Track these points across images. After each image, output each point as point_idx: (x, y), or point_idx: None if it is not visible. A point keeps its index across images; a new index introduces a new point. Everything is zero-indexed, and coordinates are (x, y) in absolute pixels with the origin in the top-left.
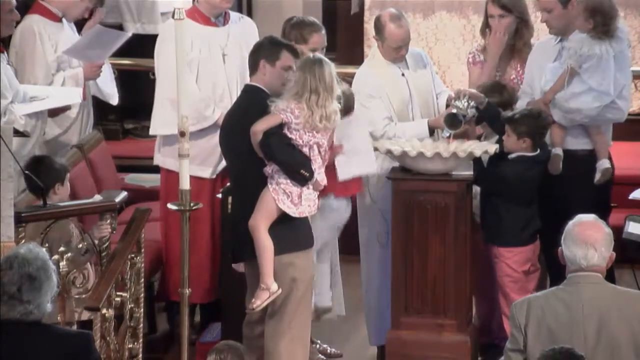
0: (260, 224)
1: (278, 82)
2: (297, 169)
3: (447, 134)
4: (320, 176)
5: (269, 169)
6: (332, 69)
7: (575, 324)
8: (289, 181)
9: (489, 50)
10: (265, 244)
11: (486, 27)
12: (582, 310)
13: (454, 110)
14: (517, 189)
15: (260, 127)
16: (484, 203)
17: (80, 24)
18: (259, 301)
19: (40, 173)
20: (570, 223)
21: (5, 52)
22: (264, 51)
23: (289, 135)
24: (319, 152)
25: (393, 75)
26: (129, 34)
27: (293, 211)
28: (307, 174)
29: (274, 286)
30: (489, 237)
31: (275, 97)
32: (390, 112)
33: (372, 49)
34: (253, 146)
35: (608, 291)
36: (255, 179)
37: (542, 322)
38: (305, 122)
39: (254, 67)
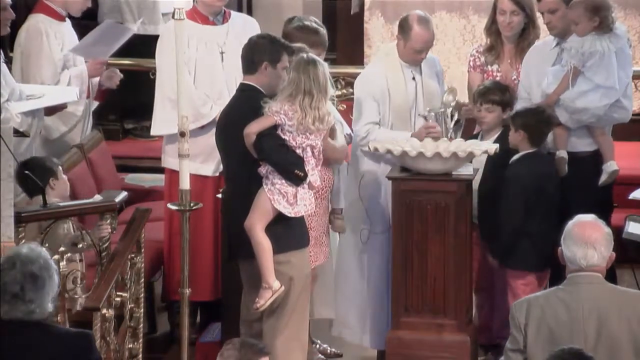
0: (257, 224)
1: (276, 82)
2: (292, 169)
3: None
4: (313, 177)
5: (264, 169)
6: (325, 69)
7: (575, 323)
8: (284, 181)
9: None
10: (263, 244)
11: (492, 24)
12: (582, 310)
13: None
14: (532, 186)
15: (253, 129)
16: (495, 222)
17: (80, 24)
18: (263, 300)
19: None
20: (570, 223)
21: (1, 50)
22: (267, 53)
23: (282, 137)
24: (312, 153)
25: (403, 77)
26: (134, 29)
27: (289, 211)
28: (302, 174)
29: (275, 284)
30: (507, 260)
31: (269, 98)
32: (378, 118)
33: (387, 47)
34: (249, 157)
35: (608, 291)
36: (250, 179)
37: (542, 322)
38: (298, 124)
39: (253, 67)
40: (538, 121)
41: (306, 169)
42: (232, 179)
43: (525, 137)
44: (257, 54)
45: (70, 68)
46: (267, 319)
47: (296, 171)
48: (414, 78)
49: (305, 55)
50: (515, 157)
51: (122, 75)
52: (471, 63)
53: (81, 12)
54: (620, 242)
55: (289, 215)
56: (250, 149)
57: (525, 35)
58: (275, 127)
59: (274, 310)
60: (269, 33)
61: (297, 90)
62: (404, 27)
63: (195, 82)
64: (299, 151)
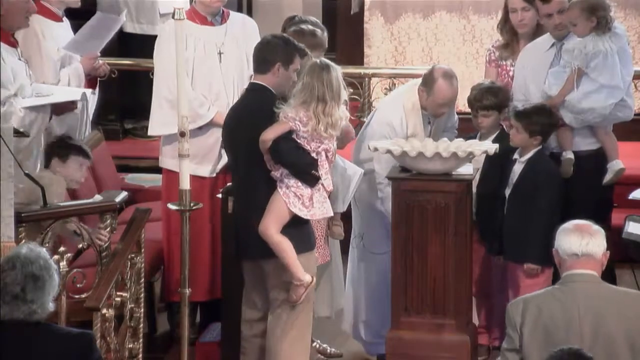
0: (271, 227)
1: (287, 84)
2: (308, 169)
3: None
4: (327, 182)
5: (278, 173)
6: (338, 73)
7: (571, 323)
8: (299, 183)
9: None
10: (282, 244)
11: (505, 22)
12: (577, 309)
13: None
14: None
15: (269, 136)
16: (502, 218)
17: (77, 24)
18: (296, 296)
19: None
20: (563, 225)
21: (18, 48)
22: (280, 54)
23: (297, 141)
24: (327, 157)
25: (422, 123)
26: (124, 19)
27: (305, 213)
28: (318, 174)
29: (307, 278)
30: (516, 255)
31: (281, 99)
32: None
33: (408, 89)
34: (260, 151)
35: (604, 290)
36: (259, 178)
37: (537, 321)
38: (312, 130)
39: (265, 67)
40: (551, 124)
41: (320, 173)
42: (240, 177)
43: (540, 142)
44: (270, 54)
45: (66, 66)
46: (272, 319)
47: (313, 172)
48: (429, 122)
49: (318, 61)
50: (529, 155)
51: (108, 67)
52: (487, 58)
53: (76, 5)
54: (620, 242)
55: (305, 217)
56: (265, 154)
57: (541, 31)
58: (290, 131)
59: (279, 311)
60: (283, 34)
61: (311, 97)
62: (428, 81)
63: (193, 83)
64: (313, 154)
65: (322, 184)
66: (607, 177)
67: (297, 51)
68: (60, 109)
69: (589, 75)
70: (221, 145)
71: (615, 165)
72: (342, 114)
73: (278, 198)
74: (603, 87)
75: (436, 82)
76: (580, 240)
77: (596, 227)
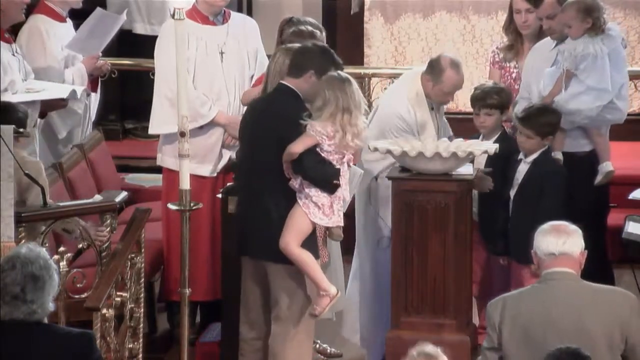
0: (291, 242)
1: (316, 92)
2: (330, 179)
3: None
4: (345, 192)
5: (296, 183)
6: (355, 84)
7: (550, 321)
8: (319, 192)
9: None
10: (304, 258)
11: (510, 24)
12: (556, 307)
13: None
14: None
15: (297, 149)
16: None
17: (80, 24)
18: (320, 308)
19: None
20: (541, 226)
21: (14, 43)
22: (315, 63)
23: (321, 154)
24: (348, 166)
25: (428, 110)
26: (124, 17)
27: (326, 222)
28: (338, 183)
29: (332, 289)
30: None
31: (308, 109)
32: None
33: (410, 77)
34: (270, 150)
35: (583, 289)
36: (267, 177)
37: (516, 319)
38: (339, 142)
39: (298, 72)
40: (557, 123)
41: (341, 183)
42: (248, 173)
43: (551, 141)
44: (306, 60)
45: (69, 67)
46: (276, 324)
47: (335, 181)
48: (432, 108)
49: (337, 74)
50: (535, 156)
51: (109, 66)
52: (491, 59)
53: (78, 6)
54: (620, 242)
55: (326, 225)
56: (285, 163)
57: (543, 34)
58: (315, 145)
59: (283, 315)
60: (324, 44)
61: (337, 109)
62: (435, 69)
63: (194, 82)
64: (336, 164)
65: (342, 193)
66: (598, 179)
67: (334, 64)
68: (50, 106)
69: (578, 77)
70: (222, 145)
71: (606, 167)
72: (364, 123)
73: (299, 212)
74: (591, 89)
75: (445, 72)
76: (557, 240)
77: (573, 227)
